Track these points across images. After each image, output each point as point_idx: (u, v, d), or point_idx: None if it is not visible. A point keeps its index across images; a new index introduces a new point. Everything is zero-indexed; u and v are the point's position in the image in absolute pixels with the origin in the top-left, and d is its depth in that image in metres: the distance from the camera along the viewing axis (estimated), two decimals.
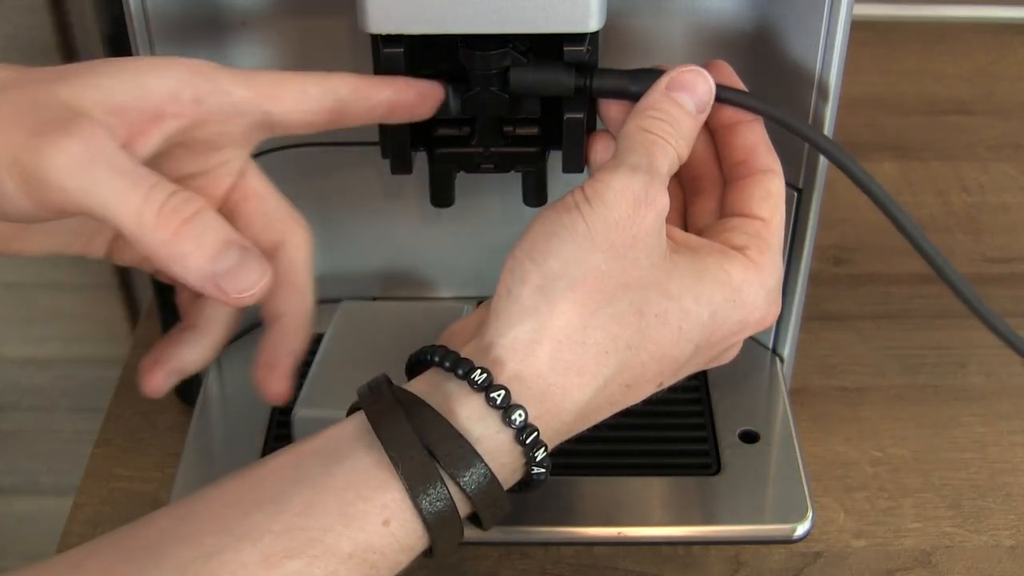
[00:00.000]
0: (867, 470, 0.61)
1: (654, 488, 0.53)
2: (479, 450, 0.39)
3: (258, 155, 0.47)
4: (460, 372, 0.40)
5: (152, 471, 0.61)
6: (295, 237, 0.47)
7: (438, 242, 0.62)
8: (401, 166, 0.50)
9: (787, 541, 0.52)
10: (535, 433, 0.40)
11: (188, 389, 0.58)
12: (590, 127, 0.48)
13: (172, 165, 0.43)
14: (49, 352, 1.07)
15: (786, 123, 0.47)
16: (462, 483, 0.39)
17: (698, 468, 0.54)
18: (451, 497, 0.39)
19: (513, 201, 0.52)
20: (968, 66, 0.95)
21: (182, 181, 0.43)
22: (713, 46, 0.54)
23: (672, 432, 0.57)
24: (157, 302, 0.61)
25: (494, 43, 0.46)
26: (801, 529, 0.51)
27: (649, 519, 0.52)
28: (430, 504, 0.38)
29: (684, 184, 0.50)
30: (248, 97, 0.43)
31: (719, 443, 0.55)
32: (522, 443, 0.40)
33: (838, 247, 0.76)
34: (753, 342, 0.61)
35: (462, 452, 0.39)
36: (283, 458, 0.40)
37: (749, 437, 0.56)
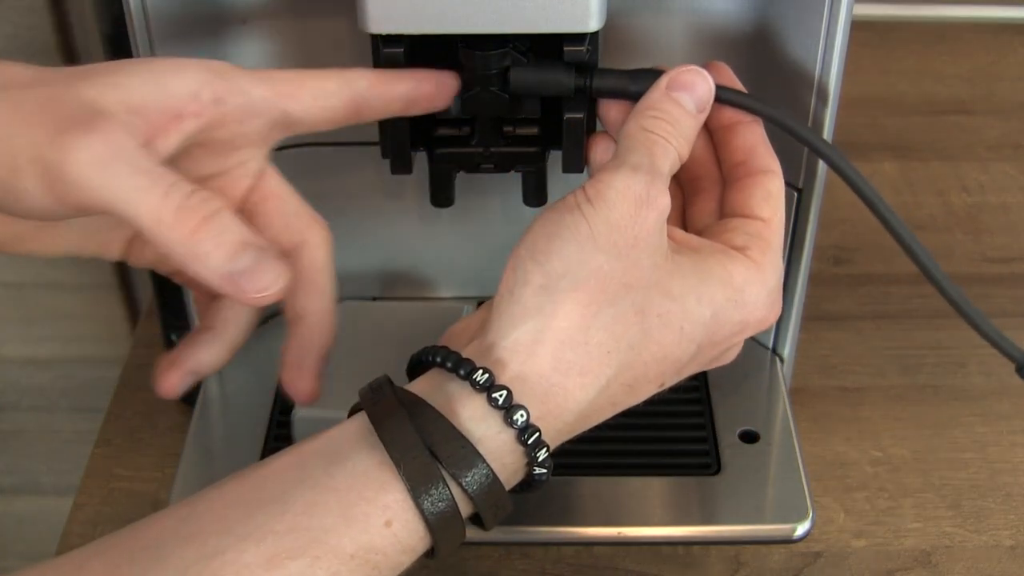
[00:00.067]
0: (867, 470, 0.61)
1: (654, 488, 0.53)
2: (481, 451, 0.39)
3: None
4: (462, 372, 0.40)
5: (152, 471, 0.61)
6: (315, 237, 0.47)
7: (438, 242, 0.62)
8: (401, 166, 0.50)
9: (787, 541, 0.52)
10: (537, 433, 0.40)
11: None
12: (590, 127, 0.48)
13: (191, 166, 0.44)
14: (49, 352, 1.07)
15: (784, 124, 0.47)
16: (464, 484, 0.39)
17: (698, 468, 0.54)
18: (453, 498, 0.39)
19: (513, 201, 0.52)
20: (968, 66, 0.95)
21: (201, 182, 0.43)
22: (713, 46, 0.54)
23: (672, 432, 0.57)
24: (157, 302, 0.61)
25: (494, 43, 0.46)
26: (801, 529, 0.51)
27: (649, 519, 0.52)
28: (432, 505, 0.38)
29: (683, 185, 0.50)
30: (266, 96, 0.44)
31: (719, 443, 0.55)
32: (524, 443, 0.40)
33: (838, 247, 0.76)
34: (753, 342, 0.61)
35: (464, 453, 0.39)
36: (285, 459, 0.40)
37: (749, 437, 0.56)
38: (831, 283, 0.73)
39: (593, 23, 0.45)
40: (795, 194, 0.55)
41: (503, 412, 0.40)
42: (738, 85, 0.48)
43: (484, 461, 0.39)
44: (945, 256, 0.74)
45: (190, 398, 0.59)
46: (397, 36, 0.45)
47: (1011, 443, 0.62)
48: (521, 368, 0.41)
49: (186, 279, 0.50)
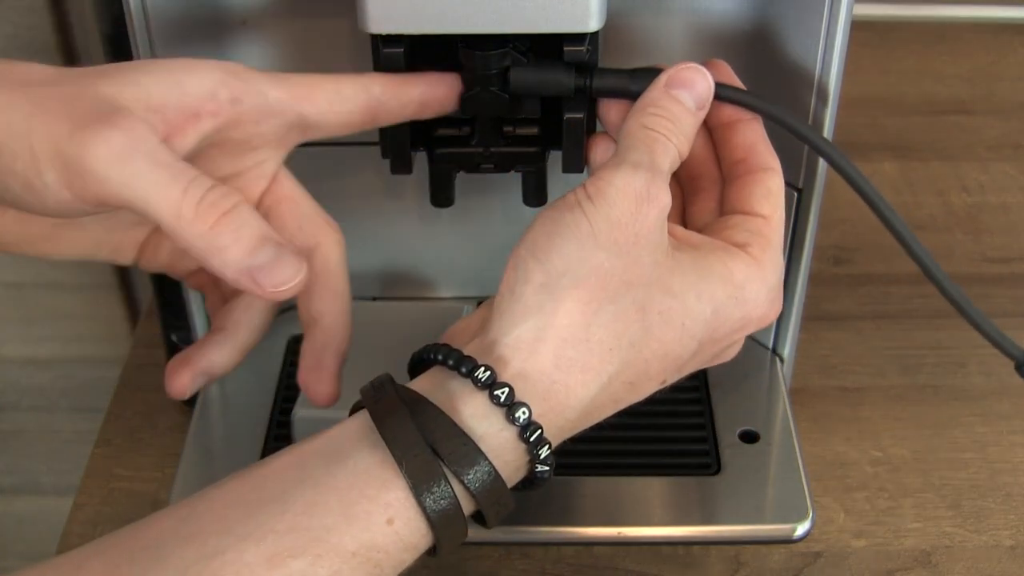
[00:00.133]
0: (867, 470, 0.61)
1: (654, 488, 0.53)
2: (483, 448, 0.39)
3: None
4: (463, 370, 0.40)
5: (152, 471, 0.61)
6: (328, 239, 0.47)
7: (438, 242, 0.62)
8: (401, 166, 0.50)
9: (787, 541, 0.52)
10: (539, 431, 0.40)
11: None
12: (590, 127, 0.48)
13: (207, 166, 0.44)
14: (49, 352, 1.07)
15: (783, 121, 0.47)
16: (466, 481, 0.39)
17: (698, 468, 0.54)
18: (455, 495, 0.39)
19: (513, 201, 0.52)
20: (968, 66, 0.95)
21: None
22: (713, 46, 0.54)
23: (672, 432, 0.57)
24: (157, 302, 0.61)
25: (494, 43, 0.46)
26: (801, 529, 0.51)
27: (649, 519, 0.52)
28: (434, 502, 0.38)
29: (683, 183, 0.50)
30: (282, 98, 0.44)
31: (719, 443, 0.55)
32: (526, 441, 0.40)
33: (838, 247, 0.76)
34: (753, 342, 0.61)
35: (466, 450, 0.39)
36: (285, 458, 0.40)
37: (749, 437, 0.56)
38: (831, 283, 0.73)
39: (593, 23, 0.45)
40: (795, 194, 0.55)
41: (505, 410, 0.40)
42: (737, 83, 0.48)
43: (486, 458, 0.39)
44: (945, 256, 0.74)
45: (190, 398, 0.59)
46: (397, 36, 0.45)
47: (1011, 443, 0.62)
48: (523, 366, 0.41)
49: (199, 283, 0.50)
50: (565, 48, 0.46)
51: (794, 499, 0.52)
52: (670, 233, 0.43)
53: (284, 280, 0.40)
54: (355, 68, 0.51)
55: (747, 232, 0.45)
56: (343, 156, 0.57)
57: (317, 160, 0.54)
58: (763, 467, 0.54)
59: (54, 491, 1.15)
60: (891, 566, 0.56)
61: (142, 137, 0.39)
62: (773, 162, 0.47)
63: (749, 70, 0.50)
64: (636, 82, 0.46)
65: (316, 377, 0.47)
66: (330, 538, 0.37)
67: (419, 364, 0.43)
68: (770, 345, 0.61)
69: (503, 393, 0.40)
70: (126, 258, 0.48)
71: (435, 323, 0.50)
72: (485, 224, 0.61)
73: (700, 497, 0.53)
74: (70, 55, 0.92)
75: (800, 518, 0.52)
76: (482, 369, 0.40)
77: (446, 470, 0.39)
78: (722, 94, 0.46)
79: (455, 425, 0.39)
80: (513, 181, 0.52)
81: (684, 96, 0.45)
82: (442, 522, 0.39)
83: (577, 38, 0.46)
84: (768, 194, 0.46)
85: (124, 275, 1.02)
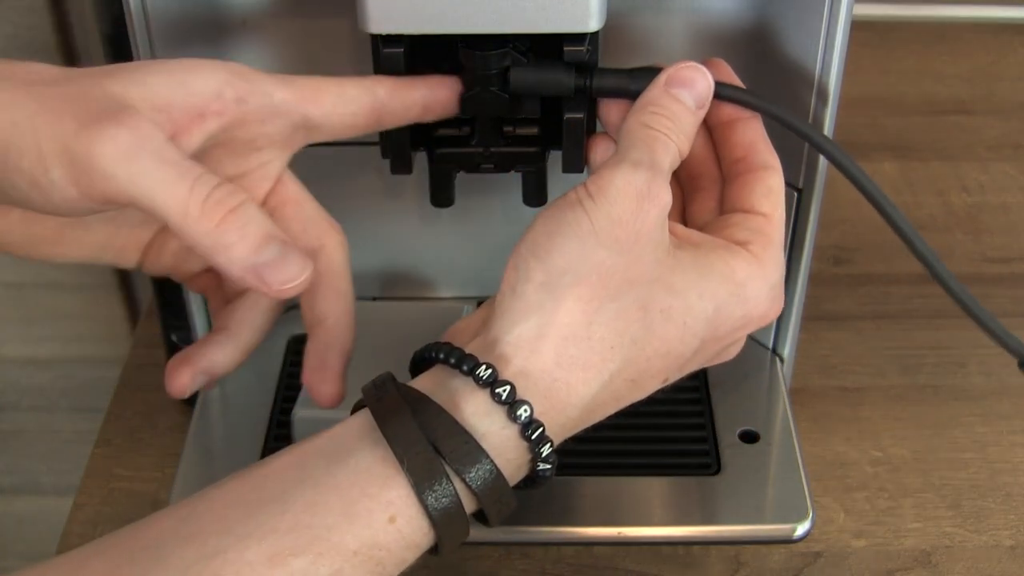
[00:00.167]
0: (867, 470, 0.61)
1: (654, 488, 0.53)
2: (484, 446, 0.39)
3: None
4: (465, 368, 0.40)
5: (152, 471, 0.61)
6: (332, 241, 0.48)
7: (438, 242, 0.62)
8: (401, 166, 0.50)
9: (787, 541, 0.52)
10: (541, 429, 0.40)
11: None
12: (590, 127, 0.48)
13: (212, 167, 0.44)
14: (49, 352, 1.07)
15: (783, 119, 0.47)
16: (468, 479, 0.39)
17: (698, 468, 0.54)
18: (457, 493, 0.39)
19: (513, 201, 0.52)
20: (968, 66, 0.95)
21: None
22: (713, 46, 0.54)
23: (672, 432, 0.57)
24: (157, 302, 0.61)
25: (494, 43, 0.46)
26: (801, 529, 0.51)
27: (649, 519, 0.52)
28: (436, 500, 0.38)
29: (683, 183, 0.50)
30: (287, 99, 0.44)
31: (719, 443, 0.55)
32: (528, 439, 0.40)
33: (838, 247, 0.76)
34: (753, 342, 0.61)
35: (468, 448, 0.39)
36: (286, 458, 0.40)
37: (749, 437, 0.56)
38: (831, 283, 0.73)
39: (593, 23, 0.45)
40: (795, 194, 0.55)
41: (507, 408, 0.40)
42: (737, 82, 0.48)
43: (488, 456, 0.39)
44: (945, 256, 0.73)
45: (190, 398, 0.59)
46: (397, 36, 0.45)
47: (1011, 443, 0.62)
48: (524, 364, 0.41)
49: (202, 286, 0.50)
50: (565, 48, 0.46)
51: (794, 499, 0.52)
52: (671, 232, 0.43)
53: (290, 277, 0.40)
54: (355, 68, 0.51)
55: (748, 230, 0.45)
56: (343, 156, 0.57)
57: (317, 160, 0.54)
58: (763, 467, 0.54)
59: (54, 491, 1.15)
60: (891, 566, 0.56)
61: (149, 135, 0.39)
62: (773, 160, 0.47)
63: (749, 70, 0.50)
64: (636, 82, 0.46)
65: (320, 377, 0.47)
66: (331, 537, 0.37)
67: (421, 363, 0.43)
68: (770, 345, 0.61)
69: (504, 391, 0.40)
70: (130, 261, 0.48)
71: (435, 323, 0.50)
72: (485, 224, 0.61)
73: (700, 497, 0.53)
74: (70, 55, 0.92)
75: (800, 518, 0.52)
76: (483, 367, 0.40)
77: (448, 468, 0.39)
78: (722, 93, 0.46)
79: (456, 423, 0.39)
80: (513, 181, 0.52)
81: (684, 95, 0.45)
82: (444, 520, 0.39)
83: (577, 38, 0.46)
84: (769, 192, 0.46)
85: (124, 275, 1.02)
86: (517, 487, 0.42)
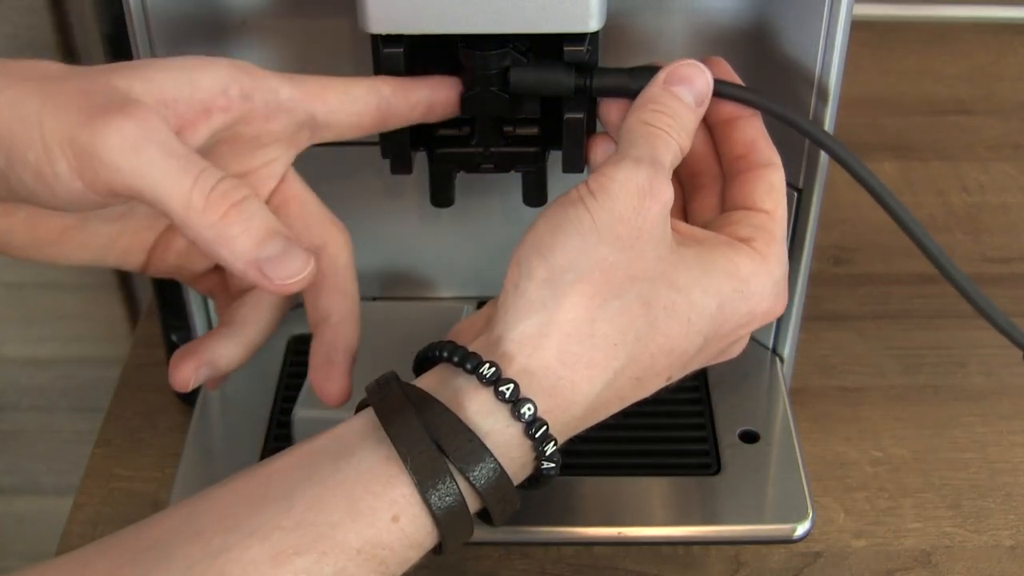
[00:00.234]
0: (867, 470, 0.61)
1: (654, 488, 0.53)
2: (488, 444, 0.39)
3: None
4: (469, 367, 0.40)
5: (152, 471, 0.61)
6: (335, 240, 0.48)
7: (438, 242, 0.62)
8: (401, 166, 0.50)
9: (787, 541, 0.52)
10: (544, 427, 0.40)
11: None
12: (590, 127, 0.48)
13: (217, 163, 0.44)
14: (49, 352, 1.07)
15: (783, 116, 0.47)
16: (471, 478, 0.39)
17: (698, 468, 0.54)
18: (460, 492, 0.39)
19: (513, 201, 0.52)
20: (968, 66, 0.95)
21: None
22: (713, 46, 0.54)
23: (672, 432, 0.57)
24: (157, 302, 0.61)
25: (494, 43, 0.46)
26: (801, 529, 0.51)
27: (649, 519, 0.52)
28: (439, 499, 0.38)
29: (683, 181, 0.50)
30: (293, 96, 0.44)
31: (719, 443, 0.55)
32: (532, 437, 0.40)
33: (838, 247, 0.76)
34: (753, 342, 0.61)
35: (471, 447, 0.39)
36: (290, 457, 0.40)
37: (749, 437, 0.56)
38: (831, 283, 0.73)
39: (593, 23, 0.45)
40: (795, 194, 0.55)
41: (510, 406, 0.40)
42: (736, 80, 0.48)
43: (491, 455, 0.39)
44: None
45: (190, 398, 0.59)
46: (397, 36, 0.45)
47: (1011, 443, 0.62)
48: (527, 361, 0.41)
49: (208, 288, 0.50)
50: (565, 48, 0.46)
51: (794, 499, 0.52)
52: (674, 229, 0.43)
53: (292, 273, 0.40)
54: (355, 68, 0.51)
55: (751, 227, 0.45)
56: (343, 156, 0.57)
57: (317, 160, 0.54)
58: (763, 467, 0.54)
59: (54, 491, 1.15)
60: (891, 566, 0.56)
61: (154, 127, 0.39)
62: (774, 157, 0.47)
63: (749, 70, 0.50)
64: (636, 81, 0.46)
65: (326, 375, 0.47)
66: (335, 535, 0.37)
67: (424, 362, 0.43)
68: (770, 345, 0.61)
69: (508, 389, 0.40)
70: (135, 263, 0.48)
71: (435, 323, 0.50)
72: (485, 224, 0.61)
73: (700, 497, 0.53)
74: (70, 55, 0.92)
75: (800, 518, 0.52)
76: (487, 365, 0.40)
77: (451, 467, 0.39)
78: (721, 90, 0.46)
79: (460, 422, 0.39)
80: (513, 181, 0.52)
81: (683, 92, 0.45)
82: (447, 519, 0.39)
83: (577, 38, 0.46)
84: (770, 189, 0.46)
85: (124, 275, 1.02)
86: (521, 487, 0.42)
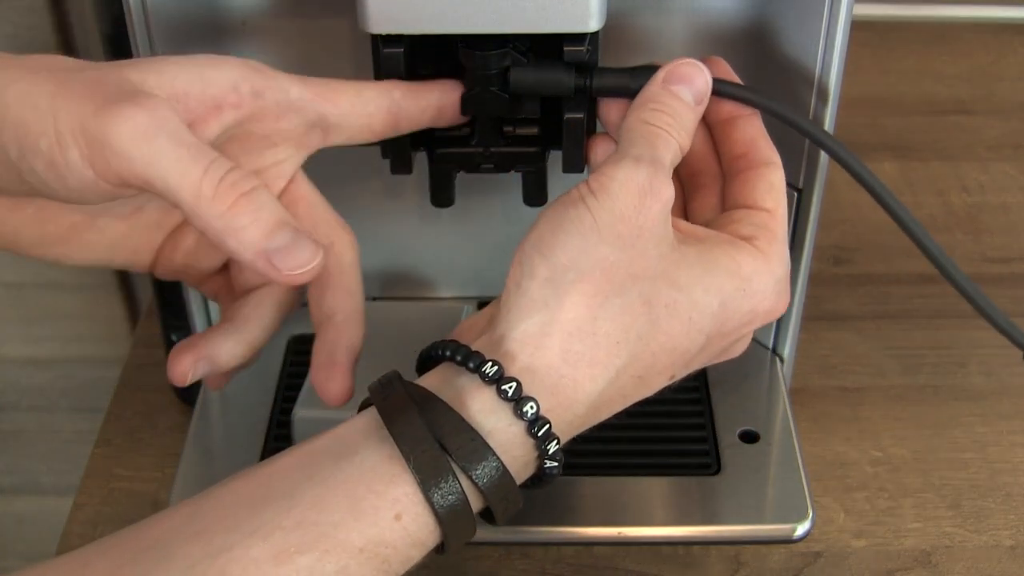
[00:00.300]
0: (867, 470, 0.61)
1: (654, 488, 0.53)
2: (491, 443, 0.39)
3: None
4: (471, 365, 0.40)
5: (152, 471, 0.61)
6: (342, 240, 0.48)
7: (438, 242, 0.62)
8: (401, 166, 0.50)
9: (787, 541, 0.52)
10: (547, 426, 0.40)
11: (188, 389, 0.58)
12: (590, 127, 0.48)
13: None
14: (49, 352, 1.07)
15: (782, 115, 0.47)
16: (474, 477, 0.39)
17: (698, 468, 0.54)
18: (463, 491, 0.39)
19: (513, 201, 0.52)
20: (968, 66, 0.95)
21: None
22: (713, 46, 0.54)
23: (672, 432, 0.57)
24: (157, 302, 0.61)
25: (494, 43, 0.46)
26: (801, 529, 0.51)
27: (649, 519, 0.52)
28: (442, 498, 0.38)
29: (683, 181, 0.50)
30: (304, 96, 0.45)
31: (719, 443, 0.55)
32: (534, 435, 0.40)
33: (838, 247, 0.76)
34: (753, 342, 0.61)
35: (474, 445, 0.39)
36: (293, 456, 0.40)
37: (749, 437, 0.56)
38: (831, 283, 0.73)
39: (593, 23, 0.45)
40: (795, 194, 0.55)
41: (513, 404, 0.40)
42: (735, 79, 0.48)
43: (494, 454, 0.39)
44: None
45: (190, 398, 0.59)
46: (397, 36, 0.45)
47: (1011, 443, 0.62)
48: (530, 360, 0.41)
49: (214, 290, 0.50)
50: (565, 48, 0.46)
51: (794, 499, 0.52)
52: (675, 227, 0.43)
53: (301, 263, 0.40)
54: (355, 68, 0.51)
55: (752, 226, 0.45)
56: (344, 156, 0.57)
57: (318, 160, 0.54)
58: (763, 467, 0.54)
59: (54, 491, 1.15)
60: (891, 566, 0.56)
61: (166, 117, 0.40)
62: (774, 156, 0.47)
63: (749, 70, 0.50)
64: (636, 80, 0.46)
65: (328, 375, 0.47)
66: (337, 534, 0.37)
67: (427, 361, 0.43)
68: (770, 345, 0.61)
69: (511, 388, 0.40)
70: (143, 263, 0.48)
71: (435, 323, 0.50)
72: (485, 224, 0.61)
73: (700, 497, 0.53)
74: (70, 55, 0.91)
75: (800, 518, 0.52)
76: (489, 364, 0.40)
77: (454, 465, 0.39)
78: (720, 89, 0.46)
79: (463, 420, 0.39)
80: (513, 181, 0.52)
81: (682, 91, 0.45)
82: (450, 518, 0.39)
83: (577, 38, 0.46)
84: (771, 188, 0.46)
85: (124, 275, 1.02)
86: (524, 486, 0.42)
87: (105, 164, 0.39)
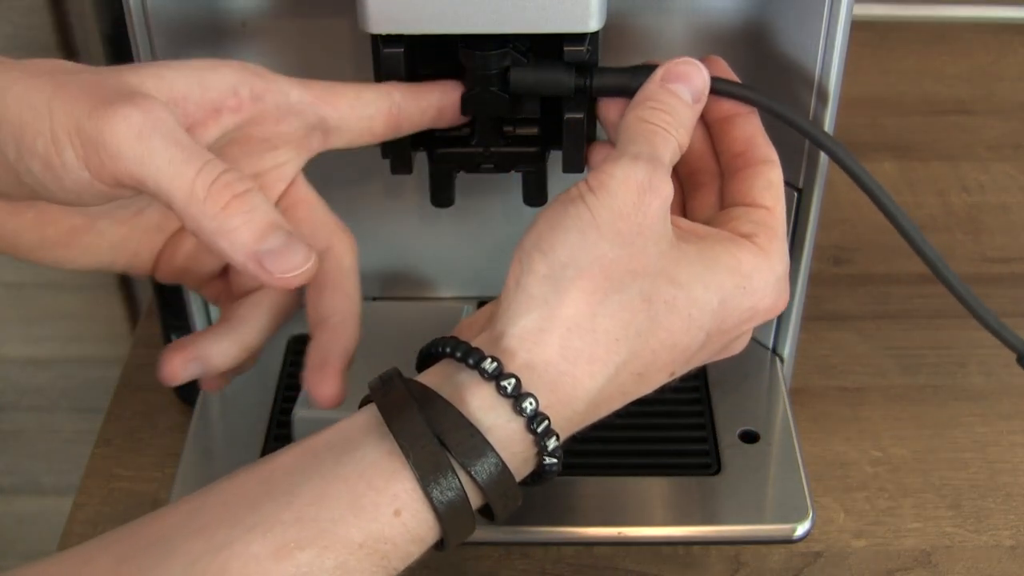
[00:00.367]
0: (867, 470, 0.61)
1: (654, 488, 0.53)
2: (490, 439, 0.39)
3: None
4: (471, 362, 0.40)
5: (152, 471, 0.61)
6: (341, 243, 0.48)
7: (438, 242, 0.62)
8: (401, 166, 0.50)
9: (787, 541, 0.52)
10: (546, 422, 0.40)
11: (188, 389, 0.58)
12: (590, 127, 0.49)
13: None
14: (49, 352, 1.07)
15: (780, 114, 0.47)
16: (473, 473, 0.39)
17: (698, 468, 0.54)
18: (462, 487, 0.39)
19: (513, 201, 0.52)
20: (968, 66, 0.95)
21: None
22: (713, 46, 0.54)
23: (672, 432, 0.57)
24: (157, 302, 0.61)
25: (494, 43, 0.46)
26: (801, 529, 0.51)
27: (649, 519, 0.52)
28: (441, 494, 0.38)
29: (682, 180, 0.50)
30: (304, 99, 0.45)
31: (719, 443, 0.55)
32: (533, 432, 0.40)
33: (838, 247, 0.76)
34: (753, 342, 0.61)
35: (473, 442, 0.39)
36: (293, 452, 0.40)
37: (749, 437, 0.56)
38: (831, 283, 0.73)
39: (593, 23, 0.45)
40: (795, 194, 0.55)
41: (512, 400, 0.40)
42: (734, 79, 0.48)
43: (493, 450, 0.39)
44: (945, 256, 0.73)
45: (190, 398, 0.59)
46: (397, 36, 0.45)
47: (1011, 443, 0.62)
48: (529, 356, 0.41)
49: (214, 294, 0.50)
50: (565, 48, 0.46)
51: (794, 499, 0.52)
52: (675, 225, 0.43)
53: (293, 267, 0.40)
54: (355, 68, 0.51)
55: (752, 223, 0.45)
56: (343, 156, 0.57)
57: (318, 161, 0.54)
58: (763, 467, 0.54)
59: (54, 491, 1.15)
60: (891, 566, 0.56)
61: (160, 118, 0.40)
62: (772, 154, 0.47)
63: (749, 70, 0.50)
64: (636, 80, 0.46)
65: (320, 377, 0.47)
66: (337, 529, 0.37)
67: (427, 358, 0.44)
68: (770, 345, 0.61)
69: (510, 384, 0.40)
70: (143, 267, 0.48)
71: (435, 323, 0.50)
72: (485, 224, 0.61)
73: (700, 497, 0.53)
74: (70, 55, 0.92)
75: (800, 518, 0.52)
76: (489, 360, 0.40)
77: (453, 461, 0.39)
78: (719, 88, 0.46)
79: (462, 416, 0.39)
80: (513, 181, 0.52)
81: (681, 89, 0.45)
82: (449, 514, 0.39)
83: (577, 38, 0.46)
84: (769, 186, 0.46)
85: (124, 275, 1.02)
86: (524, 483, 0.42)
87: (100, 164, 0.39)
